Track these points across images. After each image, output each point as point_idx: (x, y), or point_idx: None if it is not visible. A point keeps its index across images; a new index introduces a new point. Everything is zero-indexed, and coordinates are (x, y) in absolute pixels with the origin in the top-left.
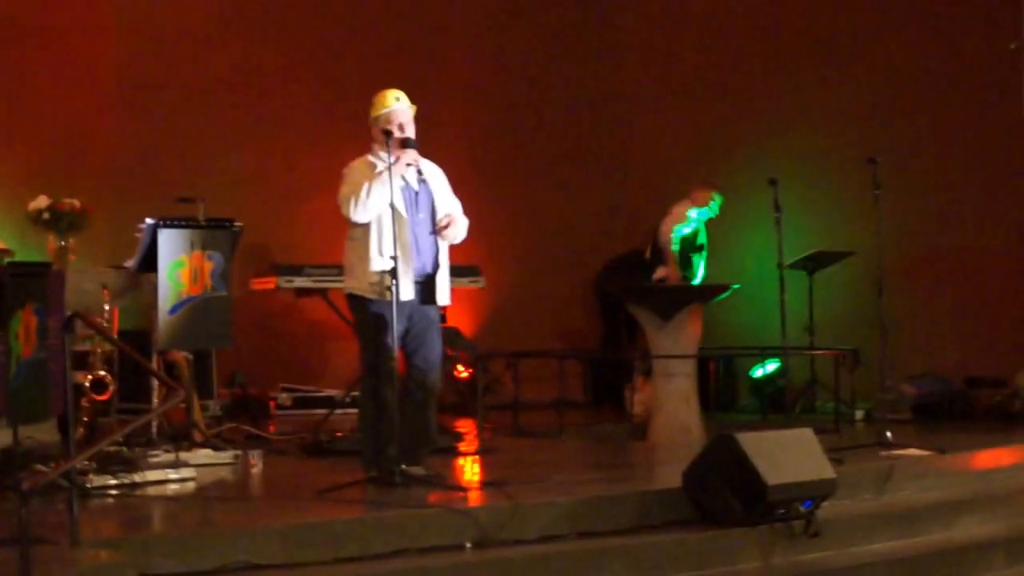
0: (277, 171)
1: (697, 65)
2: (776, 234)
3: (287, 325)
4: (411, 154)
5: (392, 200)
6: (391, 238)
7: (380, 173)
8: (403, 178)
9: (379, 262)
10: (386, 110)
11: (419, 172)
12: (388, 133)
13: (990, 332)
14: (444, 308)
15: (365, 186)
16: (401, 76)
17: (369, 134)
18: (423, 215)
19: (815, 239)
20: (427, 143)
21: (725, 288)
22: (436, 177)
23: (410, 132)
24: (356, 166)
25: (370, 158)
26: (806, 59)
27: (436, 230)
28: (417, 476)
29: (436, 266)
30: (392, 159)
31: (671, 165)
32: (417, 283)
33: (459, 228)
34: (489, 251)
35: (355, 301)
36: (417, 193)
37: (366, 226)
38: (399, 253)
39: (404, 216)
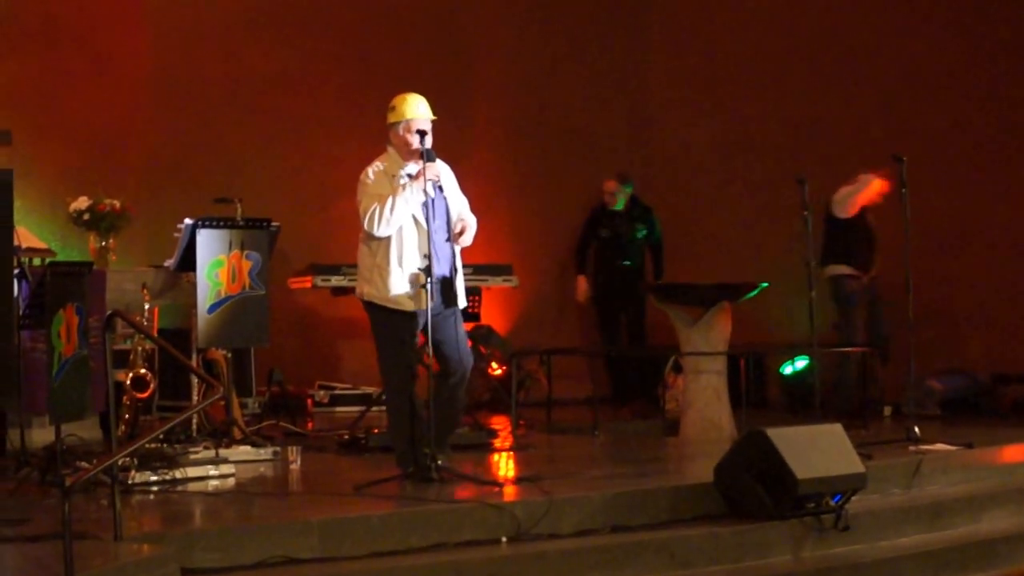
0: (313, 171)
1: (724, 64)
2: (804, 232)
3: (324, 323)
4: (434, 168)
5: (413, 212)
6: (412, 247)
7: (404, 186)
8: (423, 190)
9: (399, 272)
10: (406, 119)
11: (439, 184)
12: (422, 134)
13: (1017, 328)
14: (477, 307)
15: (388, 202)
16: (433, 77)
17: None
18: (439, 221)
19: None
20: (459, 144)
21: (754, 286)
22: (448, 180)
23: (429, 141)
24: (374, 176)
25: (386, 166)
26: (832, 56)
27: (452, 237)
28: (451, 471)
29: (453, 270)
30: (415, 171)
31: (699, 163)
32: (433, 286)
33: (470, 233)
34: (521, 250)
35: (373, 308)
36: (433, 200)
37: (378, 239)
38: (418, 264)
39: (424, 225)
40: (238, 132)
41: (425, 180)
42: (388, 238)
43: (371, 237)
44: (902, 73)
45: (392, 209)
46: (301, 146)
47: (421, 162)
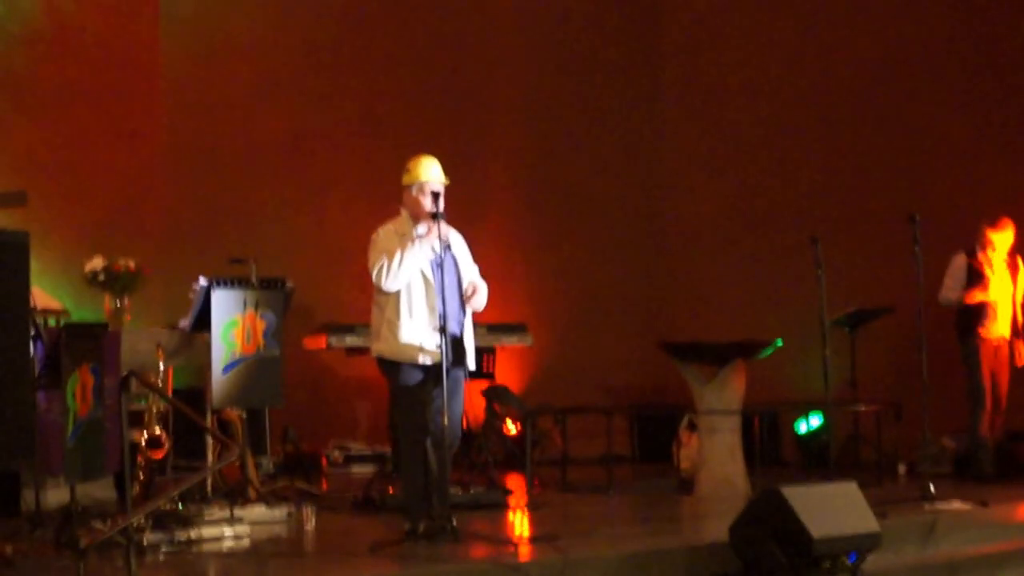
0: (328, 232)
1: (736, 127)
2: (818, 291)
3: (338, 383)
4: (443, 229)
5: (422, 268)
6: (420, 302)
7: (412, 243)
8: (431, 248)
9: (409, 326)
10: (420, 181)
11: (448, 245)
12: (435, 195)
13: None
14: (492, 366)
15: (397, 256)
16: (448, 141)
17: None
18: (448, 280)
19: (856, 295)
20: (474, 206)
21: (768, 344)
22: (459, 244)
23: (441, 204)
24: (384, 234)
25: (398, 227)
26: (846, 119)
27: (464, 298)
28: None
29: (462, 330)
30: (425, 230)
31: (712, 225)
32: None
33: (481, 296)
34: (536, 309)
35: (385, 364)
36: (442, 260)
37: (395, 291)
38: (427, 318)
39: (432, 283)
40: (253, 193)
41: (438, 238)
42: (397, 293)
43: (380, 293)
44: (914, 133)
45: (400, 263)
46: (316, 207)
47: (432, 222)
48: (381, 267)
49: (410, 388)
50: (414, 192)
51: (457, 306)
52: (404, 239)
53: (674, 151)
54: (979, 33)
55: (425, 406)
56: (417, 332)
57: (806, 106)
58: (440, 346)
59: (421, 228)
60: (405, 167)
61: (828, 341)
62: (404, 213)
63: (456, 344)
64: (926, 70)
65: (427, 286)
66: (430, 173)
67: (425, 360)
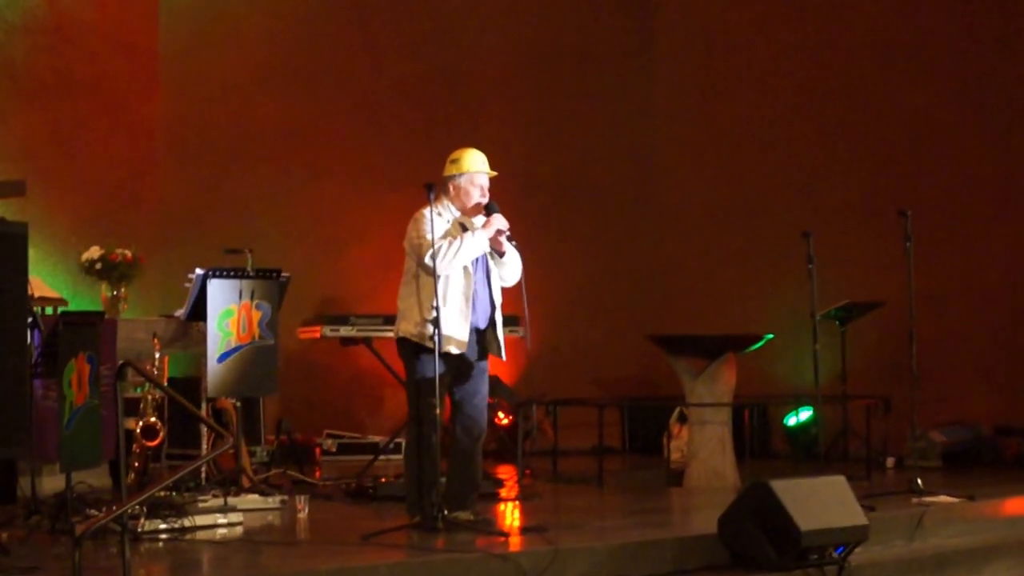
0: (323, 222)
1: (731, 118)
2: (809, 285)
3: (332, 373)
4: (500, 219)
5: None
6: (456, 292)
7: (475, 232)
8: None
9: (442, 313)
10: (469, 172)
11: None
12: (489, 207)
13: (1019, 381)
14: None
15: (458, 241)
16: (441, 132)
17: (412, 181)
18: (480, 273)
19: (847, 289)
20: None
21: (759, 338)
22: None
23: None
24: (431, 217)
25: (443, 213)
26: (838, 112)
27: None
28: (460, 522)
29: (489, 322)
30: (483, 223)
31: (705, 216)
32: (471, 335)
33: (515, 259)
34: (528, 301)
35: (408, 346)
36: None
37: (432, 274)
38: (462, 308)
39: (471, 274)
40: (249, 183)
41: (492, 229)
42: (435, 279)
43: (422, 274)
44: (906, 127)
45: (460, 249)
46: (311, 197)
47: (484, 215)
48: (441, 247)
49: (428, 376)
50: (463, 183)
51: (486, 298)
52: (450, 225)
53: (666, 143)
54: (971, 25)
55: (438, 398)
56: (448, 321)
57: (798, 99)
58: (434, 338)
59: (498, 222)
60: (451, 158)
61: (818, 335)
62: (446, 201)
63: (481, 336)
64: (919, 63)
65: (466, 277)
66: (478, 164)
67: (451, 349)
